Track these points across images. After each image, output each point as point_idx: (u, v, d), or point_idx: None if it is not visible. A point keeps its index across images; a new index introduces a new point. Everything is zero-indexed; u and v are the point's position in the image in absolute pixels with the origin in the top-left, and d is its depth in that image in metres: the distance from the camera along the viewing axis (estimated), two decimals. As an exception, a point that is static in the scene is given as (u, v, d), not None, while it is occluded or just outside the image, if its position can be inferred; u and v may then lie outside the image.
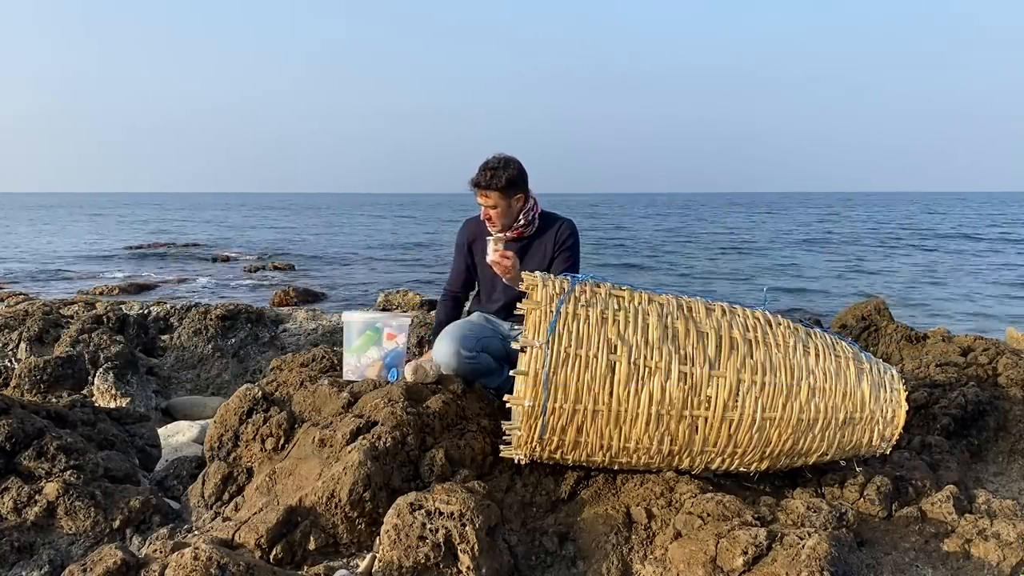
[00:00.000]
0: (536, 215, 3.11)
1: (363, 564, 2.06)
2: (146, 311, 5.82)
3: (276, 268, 18.04)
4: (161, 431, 3.41)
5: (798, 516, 2.22)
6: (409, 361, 2.83)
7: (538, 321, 2.28)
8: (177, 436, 3.46)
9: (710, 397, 2.26)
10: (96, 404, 3.43)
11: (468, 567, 1.99)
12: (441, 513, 2.05)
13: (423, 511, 2.05)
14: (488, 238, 2.92)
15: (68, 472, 2.42)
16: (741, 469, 2.44)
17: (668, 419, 2.25)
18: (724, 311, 2.44)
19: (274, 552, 2.11)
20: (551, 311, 2.28)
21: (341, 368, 2.97)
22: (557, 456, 2.39)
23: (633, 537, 2.24)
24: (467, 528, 2.02)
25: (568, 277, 2.46)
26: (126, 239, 28.12)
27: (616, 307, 2.34)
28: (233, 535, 2.16)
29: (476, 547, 2.00)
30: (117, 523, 2.34)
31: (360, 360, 2.84)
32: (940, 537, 2.33)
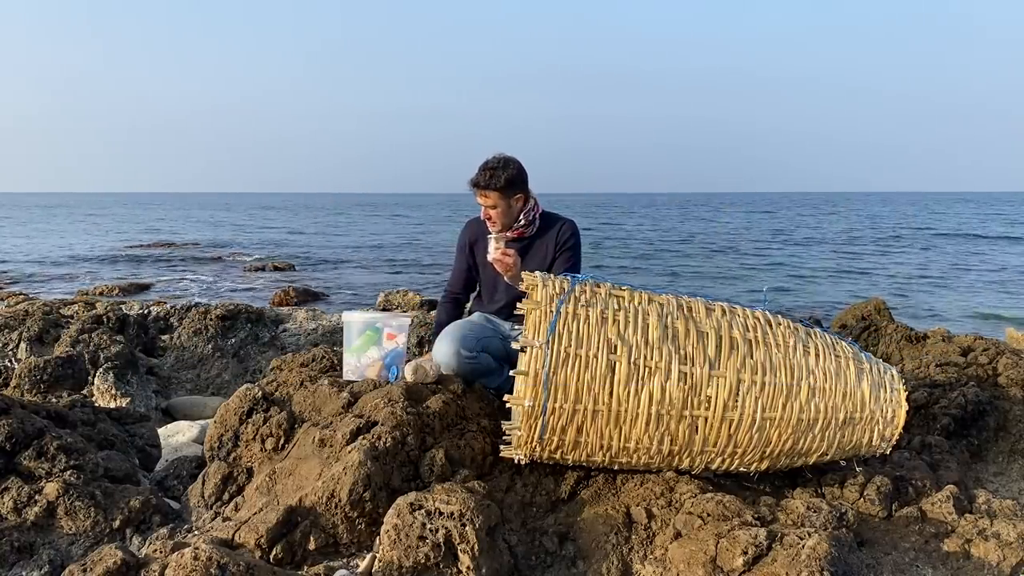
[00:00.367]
0: (537, 215, 3.11)
1: (363, 564, 2.06)
2: (146, 311, 5.82)
3: (276, 268, 18.04)
4: (161, 431, 3.41)
5: (798, 516, 2.22)
6: (409, 361, 2.83)
7: (538, 321, 2.28)
8: (177, 436, 3.46)
9: (710, 397, 2.26)
10: (96, 404, 3.43)
11: (468, 567, 1.99)
12: (441, 513, 2.05)
13: (423, 511, 2.05)
14: (489, 236, 2.92)
15: (68, 472, 2.42)
16: (741, 469, 2.44)
17: (668, 419, 2.25)
18: (724, 311, 2.44)
19: (274, 552, 2.11)
20: (551, 311, 2.28)
21: (341, 368, 2.97)
22: (557, 456, 2.39)
23: (633, 537, 2.24)
24: (467, 528, 2.02)
25: (568, 277, 2.46)
26: (126, 239, 28.13)
27: (616, 307, 2.34)
28: (233, 535, 2.16)
29: (476, 547, 2.00)
30: (117, 523, 2.34)
31: (360, 360, 2.84)
32: (940, 537, 2.33)
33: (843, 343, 2.47)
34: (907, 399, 2.42)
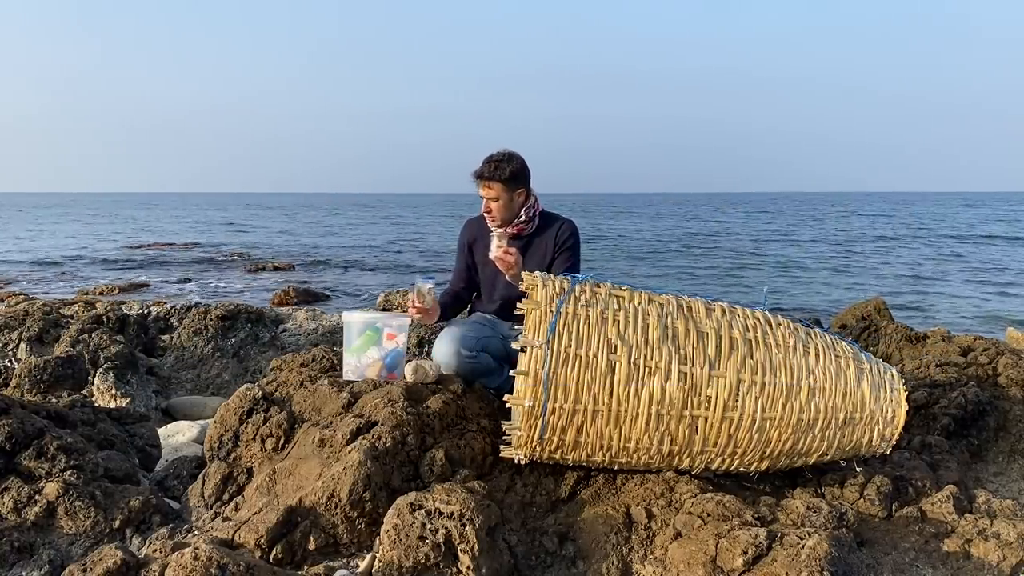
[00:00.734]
0: (537, 213, 3.12)
1: (363, 564, 2.06)
2: (146, 311, 5.82)
3: (276, 268, 18.04)
4: (161, 431, 3.41)
5: (798, 516, 2.22)
6: (409, 361, 2.83)
7: (538, 321, 2.28)
8: (177, 436, 3.46)
9: (710, 397, 2.26)
10: (96, 404, 3.43)
11: (468, 567, 1.99)
12: (441, 513, 2.05)
13: (423, 511, 2.05)
14: (492, 234, 2.93)
15: (68, 472, 2.42)
16: (741, 469, 2.44)
17: (668, 419, 2.25)
18: (724, 311, 2.44)
19: (274, 552, 2.11)
20: (551, 311, 2.28)
21: (341, 368, 2.97)
22: (557, 456, 2.39)
23: (633, 537, 2.24)
24: (467, 528, 2.02)
25: (568, 277, 2.46)
26: (126, 239, 28.12)
27: (616, 307, 2.34)
28: (233, 535, 2.16)
29: (476, 547, 2.00)
30: (117, 523, 2.34)
31: (360, 360, 2.84)
32: (940, 537, 2.33)
33: (843, 343, 2.47)
34: (907, 399, 2.42)
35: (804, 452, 2.38)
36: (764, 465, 2.42)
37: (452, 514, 2.04)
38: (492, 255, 2.87)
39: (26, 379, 3.71)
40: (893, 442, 2.43)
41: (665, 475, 2.43)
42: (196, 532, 2.34)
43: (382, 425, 2.42)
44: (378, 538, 2.08)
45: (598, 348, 2.25)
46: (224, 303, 5.62)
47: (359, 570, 2.05)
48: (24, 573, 2.16)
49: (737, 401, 2.26)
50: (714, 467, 2.42)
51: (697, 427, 2.28)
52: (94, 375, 4.05)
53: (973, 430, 3.17)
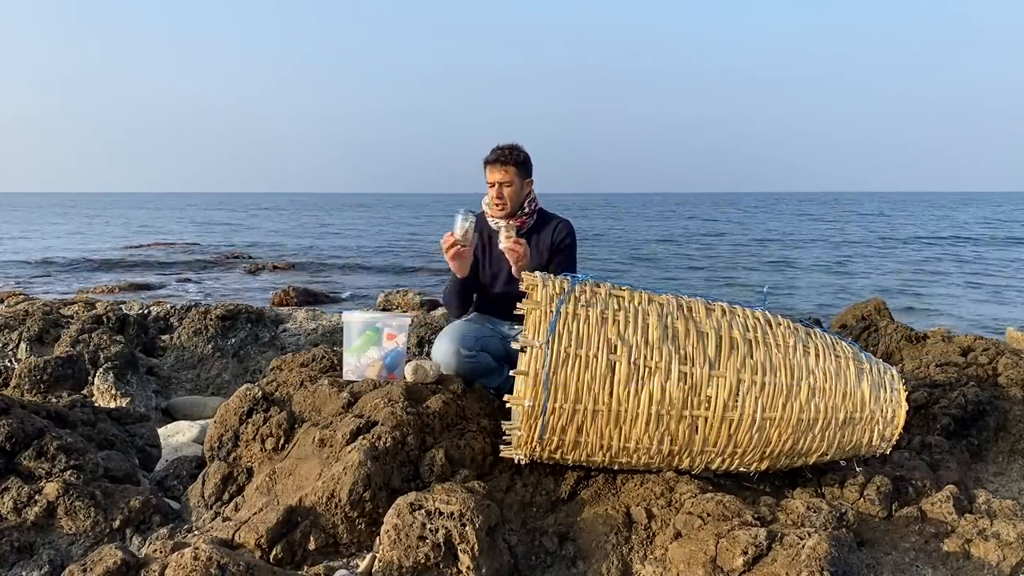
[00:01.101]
0: (535, 209, 3.13)
1: (363, 564, 2.06)
2: (146, 311, 5.82)
3: (276, 268, 18.04)
4: (161, 431, 3.41)
5: (798, 516, 2.22)
6: (409, 361, 2.83)
7: (538, 321, 2.28)
8: (177, 436, 3.46)
9: (710, 397, 2.26)
10: (96, 404, 3.43)
11: (468, 567, 1.99)
12: (441, 513, 2.05)
13: (423, 511, 2.05)
14: (500, 226, 2.94)
15: (68, 472, 2.42)
16: (741, 469, 2.44)
17: (668, 419, 2.25)
18: (724, 311, 2.44)
19: (274, 552, 2.11)
20: (551, 311, 2.28)
21: (341, 368, 2.97)
22: (557, 456, 2.39)
23: (633, 537, 2.24)
24: (467, 528, 2.02)
25: (568, 277, 2.46)
26: (125, 239, 28.12)
27: (616, 307, 2.34)
28: (233, 535, 2.16)
29: (476, 547, 2.00)
30: (117, 523, 2.34)
31: (360, 360, 2.84)
32: (940, 537, 2.33)
33: (843, 343, 2.47)
34: (907, 399, 2.42)
35: (804, 452, 2.38)
36: (764, 465, 2.42)
37: (452, 514, 2.04)
38: (502, 246, 2.88)
39: (26, 379, 3.71)
40: (893, 442, 2.43)
41: (665, 475, 2.43)
42: (196, 532, 2.34)
43: (382, 425, 2.42)
44: (378, 538, 2.08)
45: (598, 348, 2.25)
46: (224, 303, 5.62)
47: (359, 570, 2.05)
48: (24, 573, 2.16)
49: (737, 401, 2.26)
50: (714, 467, 2.42)
51: (697, 427, 2.28)
52: (94, 375, 4.05)
53: (973, 430, 3.17)
